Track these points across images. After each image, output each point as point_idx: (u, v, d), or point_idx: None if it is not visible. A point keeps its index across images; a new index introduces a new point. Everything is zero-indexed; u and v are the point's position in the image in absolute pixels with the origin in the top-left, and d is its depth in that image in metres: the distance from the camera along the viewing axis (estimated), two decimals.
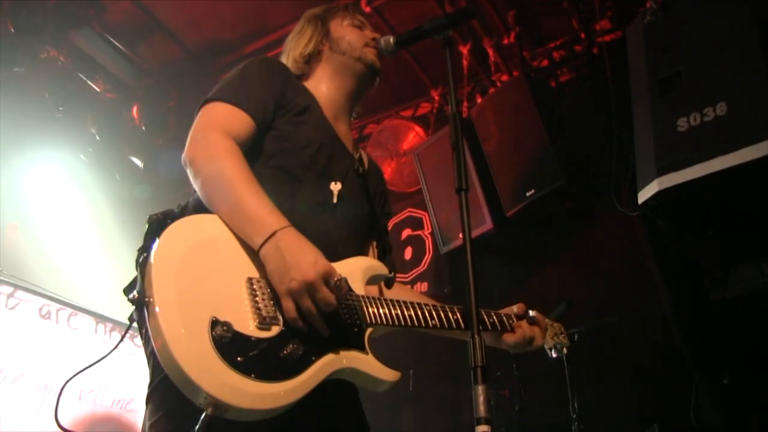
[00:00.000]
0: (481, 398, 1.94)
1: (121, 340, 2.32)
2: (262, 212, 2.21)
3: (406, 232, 7.36)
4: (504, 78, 6.71)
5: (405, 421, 6.42)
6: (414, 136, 7.28)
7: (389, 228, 3.01)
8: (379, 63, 2.87)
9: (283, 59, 2.92)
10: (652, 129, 4.15)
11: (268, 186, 2.33)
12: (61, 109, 6.71)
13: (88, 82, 6.95)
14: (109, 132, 7.17)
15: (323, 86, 2.84)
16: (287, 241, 2.16)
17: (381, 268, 2.54)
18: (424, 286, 6.98)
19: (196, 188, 2.33)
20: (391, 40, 2.82)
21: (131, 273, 2.18)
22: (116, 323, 6.45)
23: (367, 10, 6.08)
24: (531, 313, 2.82)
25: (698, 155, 3.88)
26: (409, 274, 7.10)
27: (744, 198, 4.05)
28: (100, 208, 7.40)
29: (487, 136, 6.08)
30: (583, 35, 6.36)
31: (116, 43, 6.77)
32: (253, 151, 2.48)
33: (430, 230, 7.09)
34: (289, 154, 2.54)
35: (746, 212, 4.23)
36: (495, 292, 5.99)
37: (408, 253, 7.24)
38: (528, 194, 5.69)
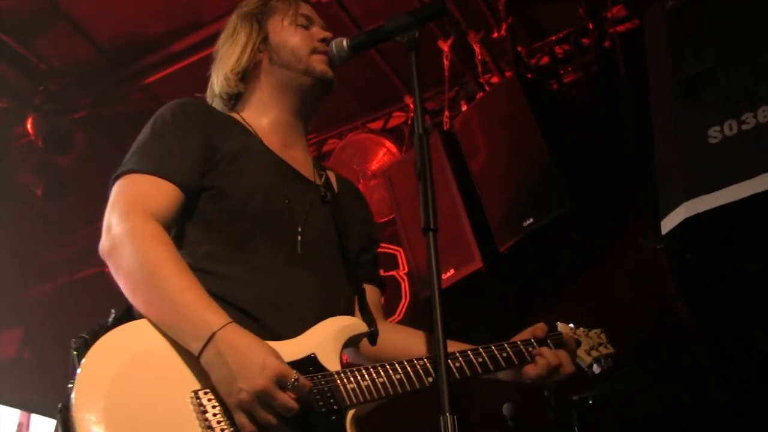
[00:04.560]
0: None
1: None
2: (197, 310, 2.28)
3: None
4: (494, 80, 6.73)
5: None
6: (384, 153, 7.32)
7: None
8: (331, 73, 2.89)
9: (213, 75, 2.97)
10: (677, 141, 4.16)
11: (218, 260, 2.49)
12: None
13: None
14: None
15: (264, 109, 2.89)
16: (228, 342, 2.22)
17: (357, 327, 2.60)
18: None
19: (120, 286, 2.39)
20: (345, 43, 2.85)
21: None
22: None
23: None
24: (559, 327, 2.89)
25: (735, 173, 3.87)
26: None
27: None
28: None
29: (474, 152, 6.07)
30: (591, 25, 6.38)
31: (3, 37, 6.67)
32: (190, 220, 2.59)
33: (406, 270, 7.09)
34: (232, 214, 2.60)
35: None
36: (488, 341, 5.86)
37: None
38: (525, 224, 5.65)
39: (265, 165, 2.73)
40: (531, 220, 5.64)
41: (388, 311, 6.93)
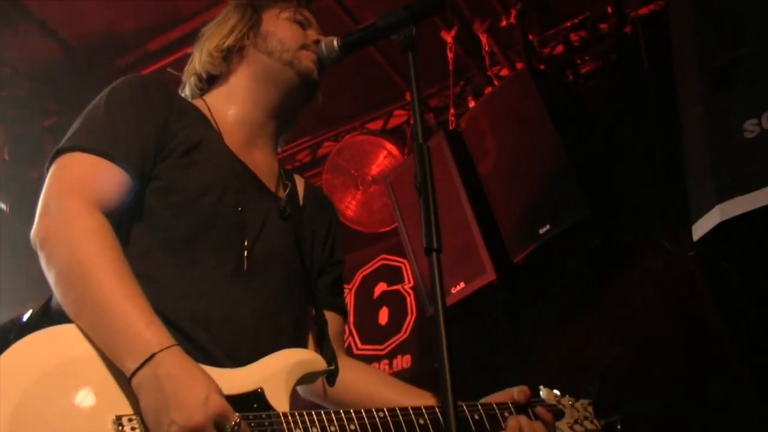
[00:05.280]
0: None
1: None
2: (136, 324, 2.18)
3: (381, 288, 7.37)
4: (504, 73, 6.73)
5: None
6: (385, 156, 7.27)
7: (350, 285, 3.02)
8: (316, 73, 2.89)
9: (195, 53, 2.98)
10: (709, 136, 4.10)
11: (154, 262, 2.42)
12: None
13: None
14: None
15: (234, 99, 2.88)
16: (169, 367, 2.14)
17: (315, 363, 2.55)
18: (406, 360, 6.95)
19: (50, 282, 2.32)
20: (335, 42, 2.85)
21: None
22: None
23: None
24: (543, 393, 2.86)
25: None
26: (386, 344, 7.08)
27: None
28: None
29: (483, 154, 6.03)
30: (610, 9, 6.34)
31: None
32: (131, 212, 2.49)
33: (412, 284, 7.10)
34: (178, 212, 2.54)
35: None
36: (502, 362, 6.01)
37: (383, 316, 7.23)
38: (541, 231, 5.59)
39: (222, 164, 2.68)
40: (547, 227, 5.58)
41: (393, 329, 7.09)
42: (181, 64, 3.14)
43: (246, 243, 2.59)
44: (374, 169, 7.28)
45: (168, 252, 2.49)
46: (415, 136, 2.44)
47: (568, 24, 6.63)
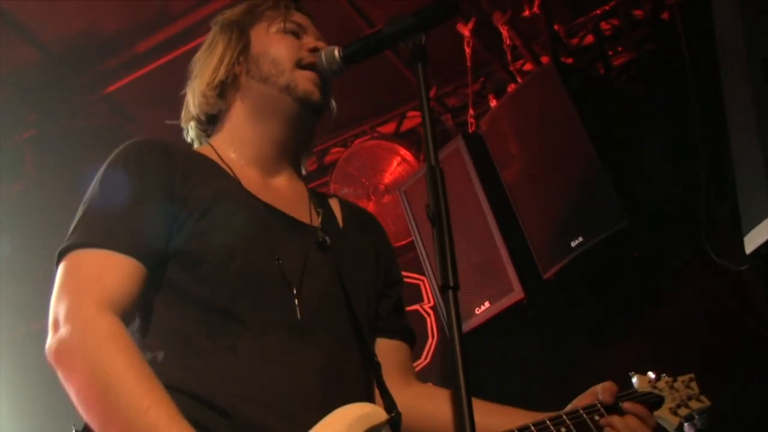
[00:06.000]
0: None
1: None
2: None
3: None
4: (527, 67, 6.73)
5: None
6: (399, 162, 7.29)
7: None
8: (318, 94, 2.82)
9: (189, 94, 2.95)
10: (760, 133, 4.07)
11: (195, 350, 2.43)
12: None
13: None
14: None
15: (239, 137, 2.85)
16: None
17: (374, 416, 2.50)
18: None
19: (72, 399, 2.33)
20: (336, 53, 2.80)
21: None
22: None
23: None
24: (635, 380, 2.89)
25: None
26: None
27: None
28: None
29: (507, 160, 5.97)
30: None
31: None
32: (157, 297, 2.52)
33: (431, 303, 7.07)
34: (209, 284, 2.51)
35: None
36: (533, 389, 5.97)
37: None
38: (574, 244, 5.49)
39: (244, 215, 2.64)
40: (580, 239, 5.49)
41: (414, 355, 6.81)
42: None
43: (294, 290, 2.57)
44: (387, 178, 7.30)
45: (208, 331, 2.48)
46: (427, 157, 2.42)
47: (598, 11, 6.64)
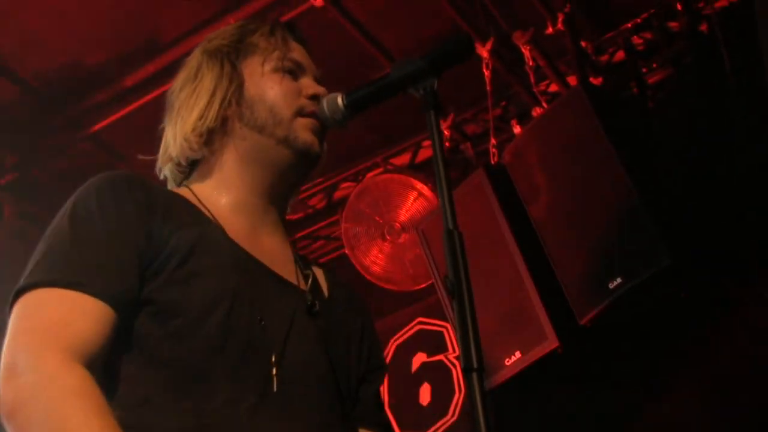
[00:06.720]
0: None
1: None
2: None
3: (419, 359, 7.43)
4: (553, 89, 6.84)
5: None
6: (416, 198, 7.25)
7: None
8: (317, 145, 2.75)
9: (168, 130, 2.84)
10: None
11: (158, 410, 2.30)
12: None
13: None
14: None
15: (225, 185, 2.77)
16: None
17: None
18: None
19: None
20: (339, 100, 2.71)
21: None
22: None
23: (319, 3, 6.07)
24: None
25: None
26: (430, 431, 7.12)
27: None
28: None
29: (534, 193, 5.83)
30: (679, 5, 6.35)
31: None
32: (123, 348, 2.39)
33: (457, 353, 6.86)
34: (182, 340, 2.41)
35: None
36: None
37: (425, 395, 7.29)
38: (612, 286, 5.31)
39: (227, 265, 2.52)
40: (619, 279, 5.32)
41: (438, 410, 7.18)
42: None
43: (273, 358, 2.46)
44: (403, 215, 7.26)
45: (175, 394, 2.35)
46: (444, 219, 2.33)
47: (629, 25, 6.70)
